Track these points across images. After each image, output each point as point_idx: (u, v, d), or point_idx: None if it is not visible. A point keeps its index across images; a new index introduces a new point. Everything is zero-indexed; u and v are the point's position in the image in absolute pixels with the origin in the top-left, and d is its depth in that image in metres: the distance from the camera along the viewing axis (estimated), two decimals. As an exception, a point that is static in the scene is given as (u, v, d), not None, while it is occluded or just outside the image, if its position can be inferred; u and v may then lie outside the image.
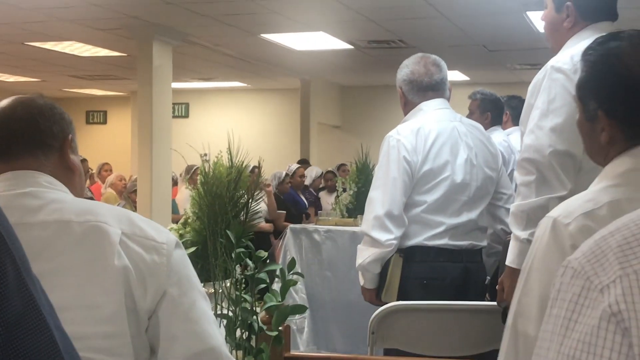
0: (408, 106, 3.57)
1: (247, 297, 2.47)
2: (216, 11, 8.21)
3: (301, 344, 5.45)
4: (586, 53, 1.69)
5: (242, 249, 2.54)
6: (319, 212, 7.12)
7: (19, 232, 1.49)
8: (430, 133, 3.40)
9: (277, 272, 5.20)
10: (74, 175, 1.72)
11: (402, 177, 3.34)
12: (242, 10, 8.16)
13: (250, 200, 3.15)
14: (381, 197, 3.35)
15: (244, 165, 3.15)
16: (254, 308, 2.50)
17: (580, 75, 1.71)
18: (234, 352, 2.53)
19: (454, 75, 12.83)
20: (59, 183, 1.65)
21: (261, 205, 8.37)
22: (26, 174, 1.63)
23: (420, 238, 3.37)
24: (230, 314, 2.56)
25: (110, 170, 11.06)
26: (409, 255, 3.38)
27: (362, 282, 3.48)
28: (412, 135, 3.40)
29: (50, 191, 1.61)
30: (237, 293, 2.50)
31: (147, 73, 9.08)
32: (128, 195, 9.17)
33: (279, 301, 2.59)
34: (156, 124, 9.10)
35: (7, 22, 8.65)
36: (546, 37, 2.91)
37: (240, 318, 2.48)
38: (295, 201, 9.21)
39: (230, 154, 3.13)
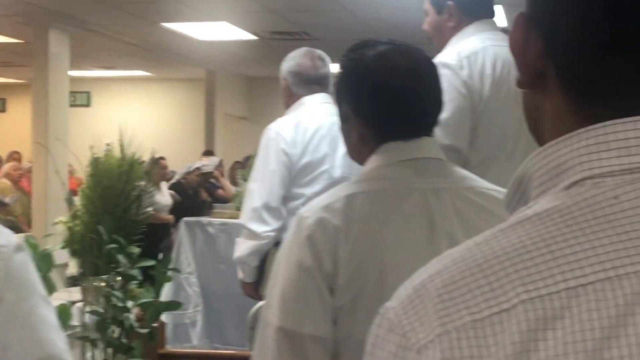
0: (292, 99, 3.57)
1: (117, 293, 2.41)
2: (115, -1, 8.05)
3: (194, 338, 5.41)
4: (341, 59, 1.75)
5: (114, 245, 2.48)
6: (214, 205, 7.07)
7: None
8: (310, 126, 3.41)
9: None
10: None
11: (280, 170, 3.34)
12: (141, -2, 8.02)
13: (142, 194, 3.09)
14: (259, 190, 3.35)
15: (136, 157, 3.08)
16: (126, 305, 2.45)
17: (337, 80, 1.76)
18: (106, 350, 2.48)
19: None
20: None
21: (159, 198, 8.20)
22: None
23: (298, 231, 3.37)
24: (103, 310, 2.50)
25: (20, 160, 10.73)
26: (287, 249, 3.37)
27: (240, 275, 3.47)
28: (291, 128, 3.40)
29: None
30: (108, 290, 2.44)
31: (43, 61, 8.83)
32: (19, 186, 8.93)
33: (153, 297, 2.54)
34: (52, 113, 8.86)
35: None
36: (432, 39, 2.94)
37: (110, 315, 2.42)
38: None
39: (122, 145, 3.06)
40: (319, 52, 3.60)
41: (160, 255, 6.53)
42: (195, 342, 5.37)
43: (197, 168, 9.25)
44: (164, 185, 8.67)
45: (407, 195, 1.60)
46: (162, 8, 8.45)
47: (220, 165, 10.64)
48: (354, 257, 1.53)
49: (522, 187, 0.67)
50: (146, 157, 3.39)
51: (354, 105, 1.69)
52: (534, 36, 0.67)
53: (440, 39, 2.88)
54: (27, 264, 1.54)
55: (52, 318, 1.53)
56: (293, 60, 3.56)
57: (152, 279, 2.71)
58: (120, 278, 2.43)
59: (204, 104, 13.71)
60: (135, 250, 2.47)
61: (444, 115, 2.62)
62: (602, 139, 0.61)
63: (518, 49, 0.69)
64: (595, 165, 0.61)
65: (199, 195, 9.21)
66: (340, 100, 1.73)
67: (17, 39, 10.24)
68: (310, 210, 1.60)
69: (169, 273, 2.62)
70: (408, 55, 1.67)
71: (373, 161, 1.66)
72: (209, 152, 12.03)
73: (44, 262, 2.25)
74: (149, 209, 3.19)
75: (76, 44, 9.53)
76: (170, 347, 2.68)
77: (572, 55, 0.65)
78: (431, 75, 1.72)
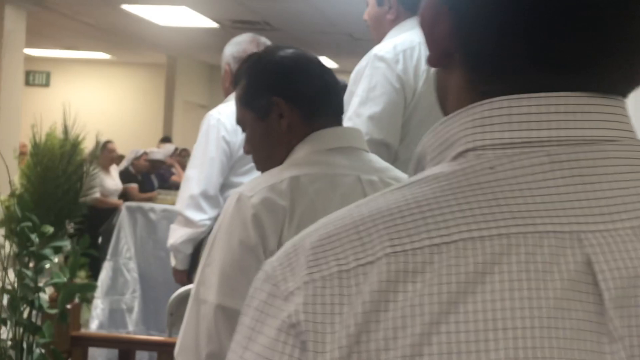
0: (233, 84, 3.51)
1: (28, 272, 2.36)
2: (72, -23, 7.94)
3: (130, 324, 5.34)
4: (245, 63, 1.82)
5: (28, 223, 2.42)
6: (159, 190, 7.01)
7: None
8: None
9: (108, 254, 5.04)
10: None
11: (219, 157, 3.30)
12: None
13: (84, 175, 3.04)
14: (197, 176, 3.30)
15: (79, 139, 3.03)
16: (37, 284, 2.40)
17: (242, 84, 1.78)
18: (15, 328, 2.43)
19: (323, 62, 12.88)
20: None
21: (108, 182, 8.09)
22: None
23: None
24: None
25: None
26: (223, 237, 3.34)
27: (173, 262, 3.43)
28: (233, 115, 3.35)
29: None
30: (19, 268, 2.39)
31: (-3, 37, 8.69)
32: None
33: (68, 278, 2.49)
34: (5, 92, 8.72)
35: None
36: (370, 31, 2.91)
37: (20, 294, 2.37)
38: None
39: (65, 126, 3.01)
40: (264, 39, 3.55)
41: (100, 239, 6.48)
42: (131, 328, 5.30)
43: (145, 153, 9.16)
44: (114, 170, 8.58)
45: (345, 180, 1.65)
46: (121, -10, 8.37)
47: (175, 154, 10.57)
48: None
49: (420, 165, 0.69)
50: (93, 139, 3.34)
51: (288, 93, 1.71)
52: (443, 15, 0.68)
53: (379, 31, 2.85)
54: None
55: None
56: (239, 45, 3.49)
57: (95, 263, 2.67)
58: (31, 257, 2.37)
59: (164, 90, 13.62)
60: (49, 229, 2.41)
61: (376, 109, 2.62)
62: (487, 114, 0.64)
63: (427, 26, 0.70)
64: (478, 139, 0.63)
65: (149, 181, 9.14)
66: (257, 97, 1.74)
67: (-27, 13, 10.07)
68: (253, 190, 1.61)
69: (107, 258, 2.56)
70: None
71: (304, 148, 1.69)
72: (166, 139, 11.94)
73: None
74: (95, 192, 3.12)
75: (34, 22, 9.40)
76: (84, 331, 2.64)
77: (474, 34, 0.66)
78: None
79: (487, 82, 0.67)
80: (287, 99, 1.70)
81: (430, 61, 0.72)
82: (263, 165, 1.79)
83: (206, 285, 1.58)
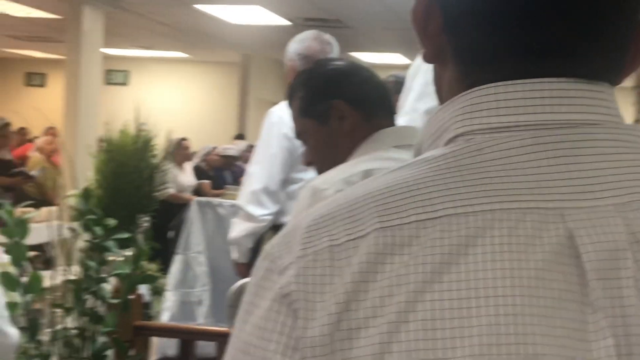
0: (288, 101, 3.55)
1: (92, 264, 2.46)
2: (147, -22, 8.12)
3: (200, 317, 5.45)
4: (298, 78, 1.91)
5: (92, 216, 2.52)
6: (228, 186, 7.12)
7: None
8: None
9: (179, 248, 5.14)
10: None
11: (281, 154, 3.35)
12: (173, -21, 8.08)
13: (155, 171, 3.13)
14: (259, 173, 3.36)
15: (151, 136, 3.12)
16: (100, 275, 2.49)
17: (299, 97, 1.86)
18: (82, 318, 2.53)
19: (396, 59, 12.83)
20: None
21: (182, 178, 8.21)
22: None
23: (296, 215, 3.39)
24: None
25: (55, 135, 10.81)
26: (283, 231, 3.39)
27: (235, 255, 3.49)
28: None
29: None
30: (85, 260, 2.49)
31: (76, 37, 8.93)
32: (51, 160, 9.06)
33: (132, 270, 2.58)
34: (84, 90, 8.97)
35: None
36: None
37: (85, 285, 2.47)
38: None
39: (138, 123, 3.10)
40: (328, 36, 3.58)
41: (171, 233, 6.60)
42: (201, 321, 5.41)
43: (214, 148, 9.30)
44: (188, 166, 8.73)
45: None
46: (195, -11, 8.51)
47: (248, 150, 10.69)
48: None
49: (419, 154, 0.73)
50: (165, 137, 3.43)
51: (347, 94, 1.78)
52: (434, 11, 0.72)
53: None
54: None
55: None
56: (302, 42, 3.52)
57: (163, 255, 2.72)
58: (94, 249, 2.47)
59: (238, 88, 13.78)
60: (112, 222, 2.50)
61: (434, 103, 2.60)
62: (476, 101, 0.67)
63: (420, 24, 0.73)
64: (467, 124, 0.67)
65: (222, 177, 9.27)
66: (319, 99, 1.81)
67: (54, 14, 10.37)
68: (327, 183, 1.66)
69: (178, 252, 2.65)
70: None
71: (369, 146, 1.76)
72: (240, 136, 12.10)
73: (19, 228, 2.30)
74: (169, 188, 3.20)
75: (112, 22, 9.62)
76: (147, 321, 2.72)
77: (461, 27, 0.70)
78: None
79: (476, 72, 0.69)
80: (347, 101, 1.77)
81: (426, 58, 0.75)
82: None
83: None
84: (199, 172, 8.90)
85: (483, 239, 0.60)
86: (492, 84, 0.67)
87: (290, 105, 1.90)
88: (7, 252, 2.27)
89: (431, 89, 2.59)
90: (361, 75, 1.83)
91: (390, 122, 1.83)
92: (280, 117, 3.38)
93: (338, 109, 1.77)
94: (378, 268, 0.61)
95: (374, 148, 1.75)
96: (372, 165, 1.69)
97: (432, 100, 2.61)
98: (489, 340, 0.57)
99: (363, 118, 1.78)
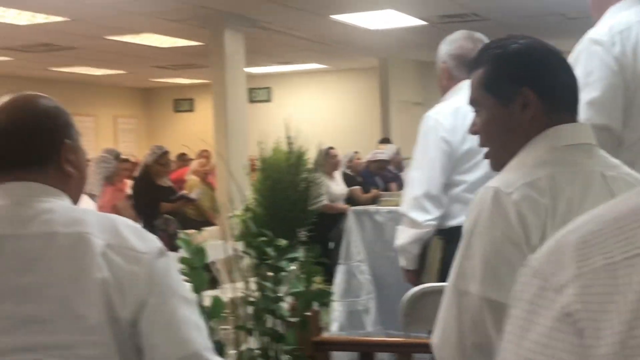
0: (451, 82, 3.50)
1: (268, 284, 2.51)
2: (282, -4, 8.28)
3: (368, 324, 5.48)
4: (488, 50, 1.81)
5: (263, 238, 2.57)
6: (382, 193, 7.12)
7: (10, 244, 1.57)
8: (469, 112, 3.34)
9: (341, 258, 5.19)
10: (70, 180, 1.72)
11: (441, 157, 3.31)
12: (307, -7, 8.20)
13: (310, 184, 3.17)
14: (419, 178, 3.33)
15: (302, 150, 3.17)
16: (277, 294, 2.54)
17: (484, 70, 1.78)
18: (261, 337, 2.59)
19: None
20: (54, 190, 1.67)
21: (334, 188, 8.28)
22: (20, 185, 1.65)
23: (461, 218, 3.34)
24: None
25: (209, 157, 11.17)
26: (451, 236, 3.34)
27: (402, 263, 3.48)
28: (450, 114, 3.35)
29: (43, 201, 1.63)
30: (260, 281, 2.54)
31: (220, 61, 9.22)
32: (207, 181, 9.35)
33: (305, 287, 2.62)
34: (231, 110, 9.23)
35: (84, 18, 8.92)
36: (591, 12, 2.82)
37: (262, 306, 2.52)
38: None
39: (289, 138, 3.16)
40: (479, 34, 3.53)
41: (331, 244, 6.67)
42: (370, 329, 5.44)
43: (356, 152, 9.36)
44: (338, 175, 8.81)
45: (593, 177, 1.67)
46: (329, 1, 8.59)
47: (397, 153, 10.68)
48: None
49: None
50: (315, 149, 3.47)
51: (538, 85, 1.71)
52: None
53: (600, 10, 2.75)
54: (168, 268, 1.63)
55: (193, 317, 1.62)
56: (455, 42, 3.49)
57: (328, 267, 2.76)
58: (269, 270, 2.52)
59: (379, 92, 13.80)
60: (283, 242, 2.55)
61: (595, 94, 2.54)
62: None
63: None
64: None
65: (373, 182, 9.30)
66: (502, 83, 1.75)
67: (196, 41, 10.74)
68: (510, 186, 1.63)
69: (340, 262, 2.68)
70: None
71: (542, 143, 1.71)
72: (385, 140, 12.10)
73: (197, 256, 2.38)
74: (323, 199, 3.25)
75: (251, 42, 9.87)
76: (325, 335, 2.76)
77: None
78: None
79: None
80: (536, 91, 1.71)
81: None
82: (494, 155, 1.81)
83: (467, 278, 1.62)
84: (348, 179, 8.97)
85: None
86: None
87: (473, 71, 1.83)
88: (188, 279, 2.35)
89: (592, 79, 2.51)
90: (555, 64, 1.75)
91: (572, 118, 1.76)
92: (437, 120, 3.35)
93: (524, 96, 1.72)
94: None
95: (549, 146, 1.70)
96: (553, 169, 1.65)
97: (594, 91, 2.52)
98: None
99: (546, 110, 1.71)
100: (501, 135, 1.77)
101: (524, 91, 1.71)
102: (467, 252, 1.65)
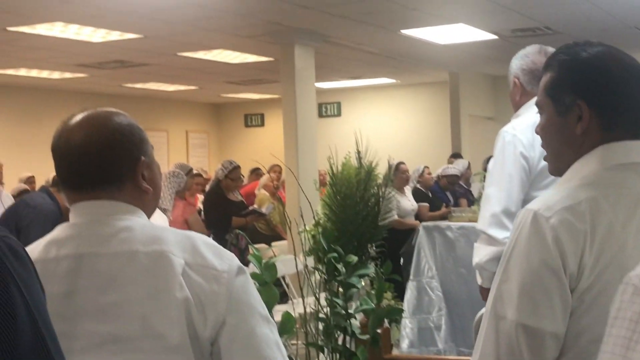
0: (524, 98, 3.45)
1: (339, 301, 2.50)
2: (352, 11, 8.29)
3: (439, 342, 5.43)
4: (557, 55, 1.78)
5: (334, 254, 2.57)
6: (453, 208, 7.05)
7: (89, 262, 1.59)
8: None
9: (411, 274, 5.16)
10: (146, 196, 1.73)
11: (518, 174, 3.25)
12: (377, 9, 8.19)
13: (381, 200, 3.16)
14: (497, 194, 3.28)
15: (372, 165, 3.16)
16: (347, 311, 2.53)
17: (550, 76, 1.76)
18: (332, 354, 2.58)
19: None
20: (132, 208, 1.68)
21: (405, 203, 8.26)
22: (98, 204, 1.66)
23: (540, 235, 3.28)
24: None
25: (280, 172, 11.26)
26: (529, 253, 3.29)
27: (479, 281, 3.42)
28: (528, 129, 3.29)
29: (121, 219, 1.64)
30: (330, 298, 2.53)
31: (290, 76, 9.28)
32: (276, 196, 9.41)
33: (375, 304, 2.60)
34: (301, 125, 9.28)
35: (158, 35, 9.09)
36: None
37: (333, 322, 2.52)
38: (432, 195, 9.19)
39: (359, 154, 3.16)
40: (551, 48, 3.48)
41: (401, 261, 6.65)
42: (441, 346, 5.39)
43: (426, 167, 9.32)
44: (408, 190, 8.76)
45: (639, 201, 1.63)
46: (399, 16, 8.58)
47: (468, 168, 10.59)
48: (599, 263, 1.56)
49: None
50: (385, 164, 3.45)
51: (593, 99, 1.68)
52: None
53: None
54: (247, 285, 1.63)
55: (272, 335, 1.61)
56: (527, 57, 3.44)
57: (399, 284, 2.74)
58: (339, 286, 2.51)
59: (449, 107, 13.71)
60: (353, 258, 2.54)
61: None
62: None
63: None
64: None
65: (444, 197, 9.24)
66: (562, 93, 1.72)
67: (267, 57, 10.84)
68: (550, 210, 1.60)
69: (410, 278, 2.66)
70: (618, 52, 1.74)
71: (593, 161, 1.67)
72: (456, 155, 12.01)
73: (268, 272, 2.38)
74: (393, 214, 3.22)
75: (321, 57, 9.92)
76: (397, 352, 2.73)
77: None
78: None
79: None
80: (590, 105, 1.67)
81: None
82: (551, 160, 1.80)
83: (504, 302, 1.60)
84: (417, 194, 8.92)
85: None
86: None
87: (544, 72, 1.82)
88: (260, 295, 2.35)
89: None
90: (623, 77, 1.68)
91: (633, 135, 1.69)
92: (514, 135, 3.30)
93: (580, 109, 1.68)
94: None
95: (599, 165, 1.66)
96: (596, 192, 1.61)
97: None
98: None
99: (603, 126, 1.67)
100: (556, 144, 1.76)
101: (579, 103, 1.68)
102: (505, 275, 1.62)
